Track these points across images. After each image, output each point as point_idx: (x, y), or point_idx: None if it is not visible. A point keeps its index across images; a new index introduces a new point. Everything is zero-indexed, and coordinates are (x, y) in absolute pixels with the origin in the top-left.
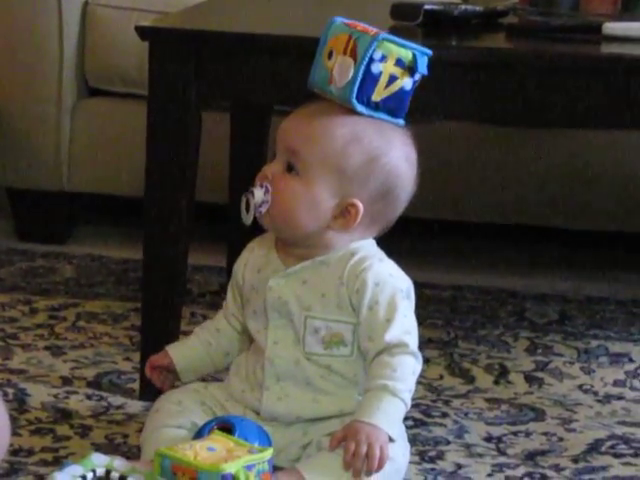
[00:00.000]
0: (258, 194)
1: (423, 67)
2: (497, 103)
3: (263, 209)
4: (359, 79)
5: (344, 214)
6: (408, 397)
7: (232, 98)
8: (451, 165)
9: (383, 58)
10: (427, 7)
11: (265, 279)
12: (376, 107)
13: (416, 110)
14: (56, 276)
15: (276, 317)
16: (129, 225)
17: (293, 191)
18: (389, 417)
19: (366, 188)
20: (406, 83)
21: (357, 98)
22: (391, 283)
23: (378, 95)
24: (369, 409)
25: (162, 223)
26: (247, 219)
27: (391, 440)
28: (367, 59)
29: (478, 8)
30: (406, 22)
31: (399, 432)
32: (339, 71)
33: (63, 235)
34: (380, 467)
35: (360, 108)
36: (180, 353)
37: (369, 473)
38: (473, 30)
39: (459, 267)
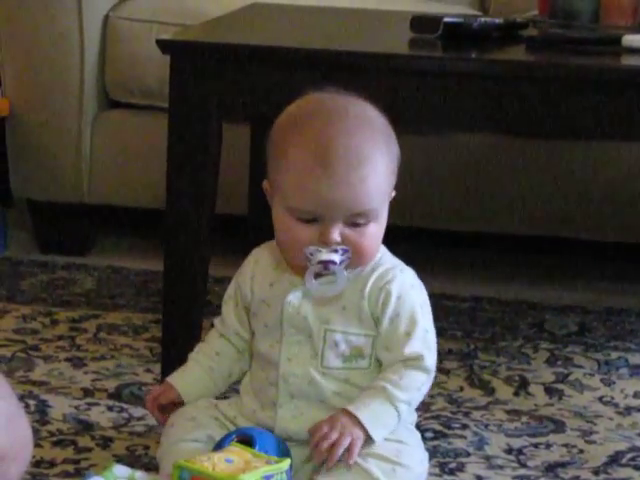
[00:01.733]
0: (339, 259)
1: None
2: (518, 115)
3: (343, 266)
4: None
5: None
6: (404, 408)
7: (253, 111)
8: (470, 177)
9: None
10: (447, 20)
11: (280, 293)
12: None
13: (436, 123)
14: (77, 288)
15: (292, 333)
16: (149, 237)
17: (373, 236)
18: (375, 417)
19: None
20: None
21: None
22: (412, 296)
23: None
24: (359, 403)
25: (182, 235)
26: (336, 289)
27: (371, 440)
28: None
29: (498, 20)
30: (426, 35)
31: (382, 436)
32: None
33: (84, 247)
34: (348, 459)
35: None
36: (185, 384)
37: (328, 463)
38: (493, 43)
39: (478, 278)
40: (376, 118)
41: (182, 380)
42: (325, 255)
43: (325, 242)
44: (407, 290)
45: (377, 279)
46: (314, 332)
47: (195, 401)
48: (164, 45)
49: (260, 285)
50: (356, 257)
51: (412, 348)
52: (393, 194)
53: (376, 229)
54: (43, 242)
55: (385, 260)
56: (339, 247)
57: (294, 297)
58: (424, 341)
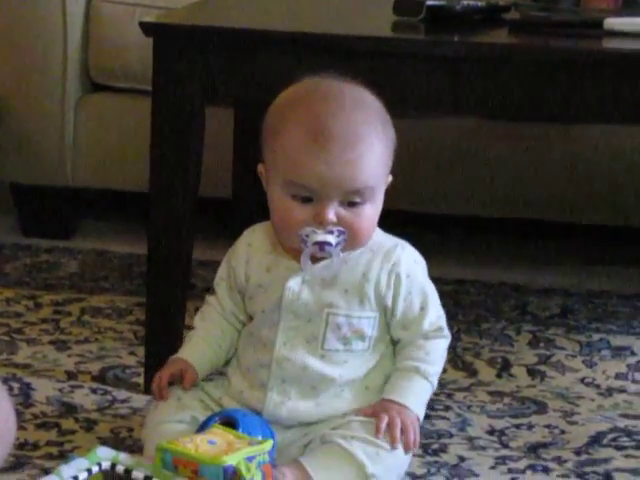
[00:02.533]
0: (334, 240)
1: None
2: (499, 98)
3: (339, 248)
4: None
5: None
6: (436, 380)
7: (236, 94)
8: (453, 160)
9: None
10: (429, 3)
11: (279, 279)
12: None
13: (419, 105)
14: (60, 271)
15: (290, 318)
16: (133, 220)
17: (369, 217)
18: (418, 398)
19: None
20: None
21: None
22: (417, 270)
23: None
24: (400, 389)
25: (166, 218)
26: (332, 270)
27: (418, 420)
28: None
29: (480, 4)
30: (409, 18)
31: (424, 412)
32: None
33: (67, 230)
34: (415, 445)
35: None
36: (200, 363)
37: (407, 450)
38: (475, 26)
39: (462, 261)
40: (372, 102)
41: (196, 359)
42: (321, 236)
43: (321, 222)
44: (413, 267)
45: (382, 262)
46: (315, 316)
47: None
48: (147, 28)
49: (256, 269)
50: (351, 239)
51: (430, 320)
52: (390, 179)
53: (372, 211)
54: (26, 225)
55: (382, 240)
56: (335, 228)
57: (294, 283)
58: (437, 309)
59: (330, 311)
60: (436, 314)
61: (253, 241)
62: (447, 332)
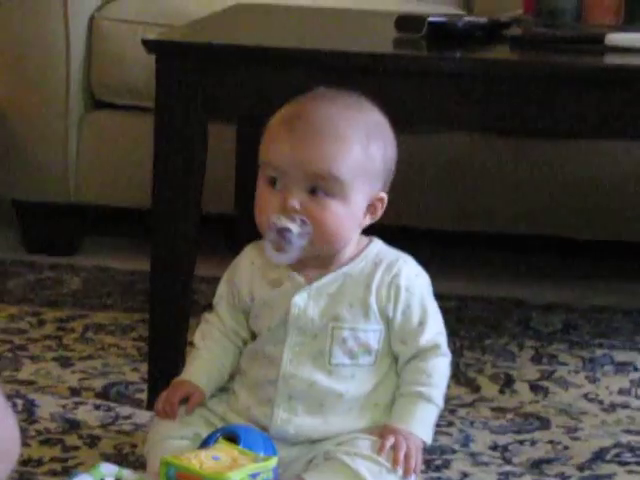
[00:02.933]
0: (295, 229)
1: None
2: (501, 114)
3: (304, 242)
4: None
5: (371, 210)
6: (441, 400)
7: (238, 110)
8: (455, 176)
9: None
10: (431, 19)
11: (284, 295)
12: None
13: (421, 121)
14: (64, 288)
15: (296, 334)
16: (136, 237)
17: (336, 214)
18: (423, 423)
19: (386, 179)
20: None
21: None
22: (419, 285)
23: None
24: (404, 416)
25: (169, 234)
26: (288, 257)
27: (425, 443)
28: None
29: (482, 20)
30: (411, 34)
31: (432, 434)
32: None
33: (70, 247)
34: (415, 472)
35: None
36: (205, 385)
37: (407, 476)
38: (477, 42)
39: (464, 277)
40: (370, 115)
41: (202, 379)
42: (282, 222)
43: (284, 208)
44: (413, 280)
45: (383, 274)
46: (320, 331)
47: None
48: (150, 45)
49: (260, 287)
50: (317, 233)
51: (427, 337)
52: (383, 196)
53: (341, 209)
54: (29, 242)
55: (385, 253)
56: (297, 216)
57: (300, 299)
58: (436, 326)
59: (335, 325)
60: (435, 331)
61: (256, 259)
62: (446, 350)
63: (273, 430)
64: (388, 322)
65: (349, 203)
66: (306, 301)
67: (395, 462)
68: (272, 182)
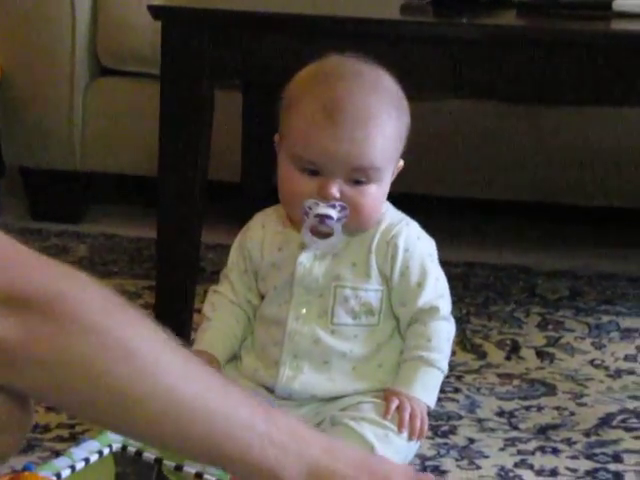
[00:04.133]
0: (335, 215)
1: None
2: (507, 80)
3: (340, 225)
4: None
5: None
6: (444, 364)
7: (244, 77)
8: (461, 143)
9: None
10: None
11: (290, 256)
12: None
13: (427, 87)
14: (70, 255)
15: (302, 293)
16: (142, 204)
17: (374, 198)
18: (426, 387)
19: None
20: None
21: None
22: (420, 247)
23: None
24: (406, 380)
25: (176, 201)
26: (330, 244)
27: (429, 408)
28: None
29: None
30: (417, 0)
31: (435, 398)
32: None
33: (76, 214)
34: (422, 433)
35: None
36: (221, 354)
37: (412, 437)
38: (484, 8)
39: (470, 244)
40: (390, 85)
41: (218, 349)
42: (322, 209)
43: (324, 196)
44: (414, 242)
45: (383, 233)
46: (324, 290)
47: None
48: (155, 11)
49: (269, 249)
50: (354, 216)
51: (425, 299)
52: (401, 163)
53: (377, 191)
54: (36, 210)
55: (390, 215)
56: (337, 203)
57: (305, 258)
58: (436, 290)
59: (338, 284)
60: (435, 294)
61: (266, 223)
62: (447, 314)
63: (279, 388)
64: (387, 282)
65: (384, 184)
66: (311, 261)
67: (400, 424)
68: (308, 171)
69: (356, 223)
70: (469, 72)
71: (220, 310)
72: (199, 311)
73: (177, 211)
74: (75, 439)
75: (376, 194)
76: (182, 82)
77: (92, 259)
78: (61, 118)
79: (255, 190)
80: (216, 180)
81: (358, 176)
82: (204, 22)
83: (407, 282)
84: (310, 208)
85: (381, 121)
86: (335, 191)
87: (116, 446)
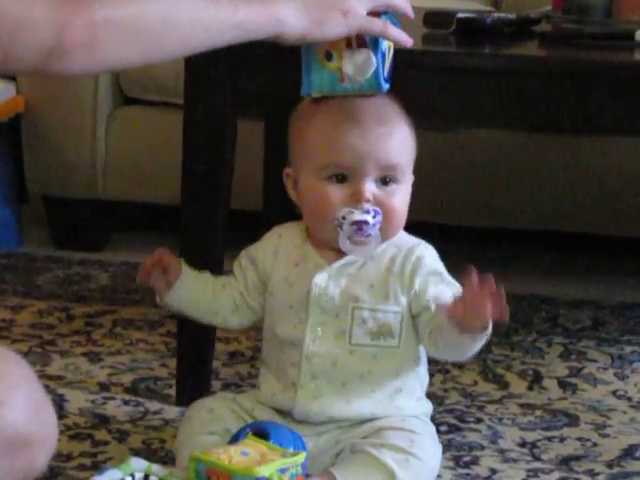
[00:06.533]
0: (371, 220)
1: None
2: (530, 111)
3: (377, 229)
4: (380, 62)
5: None
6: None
7: (266, 105)
8: (484, 173)
9: None
10: (460, 15)
11: (306, 274)
12: (388, 81)
13: (447, 117)
14: (92, 283)
15: (318, 313)
16: (164, 232)
17: (402, 199)
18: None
19: None
20: (392, 50)
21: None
22: (439, 269)
23: (386, 70)
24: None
25: (198, 230)
26: (368, 250)
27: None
28: (379, 41)
29: (511, 16)
30: (439, 30)
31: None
32: (358, 64)
33: (99, 243)
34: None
35: (387, 87)
36: (189, 273)
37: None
38: (506, 38)
39: (492, 273)
40: (398, 108)
41: (190, 270)
42: (358, 216)
43: (358, 199)
44: (439, 265)
45: (406, 255)
46: (341, 311)
47: (176, 293)
48: None
49: (284, 262)
50: (386, 221)
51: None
52: (412, 178)
53: (405, 194)
54: (58, 238)
55: (406, 239)
56: (371, 208)
57: (321, 279)
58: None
59: (355, 305)
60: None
61: (284, 233)
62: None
63: (297, 410)
64: (410, 304)
65: (408, 187)
66: (327, 281)
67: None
68: (337, 179)
69: (389, 227)
70: (490, 102)
71: (217, 276)
72: (221, 339)
73: (199, 239)
74: (97, 468)
75: (404, 197)
76: (204, 111)
77: (114, 287)
78: (84, 147)
79: (276, 218)
80: (238, 208)
81: (387, 174)
82: (227, 52)
83: (426, 289)
84: (344, 218)
85: (399, 122)
86: (369, 193)
87: (138, 475)
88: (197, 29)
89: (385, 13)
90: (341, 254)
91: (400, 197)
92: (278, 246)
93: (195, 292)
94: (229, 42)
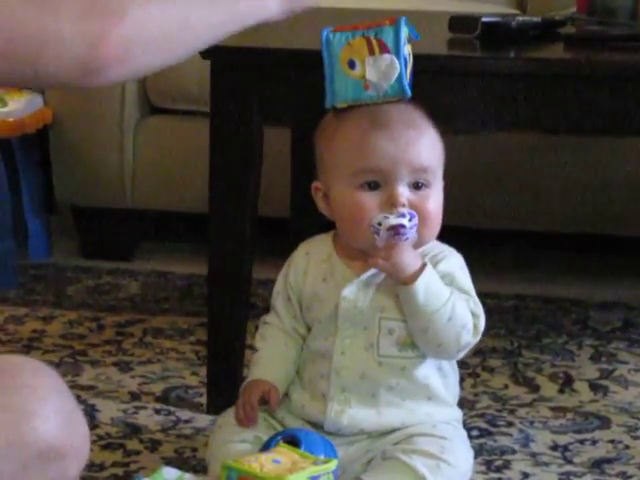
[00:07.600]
0: (407, 223)
1: (416, 35)
2: (555, 113)
3: (414, 234)
4: (403, 66)
5: None
6: (453, 306)
7: (293, 114)
8: (512, 175)
9: (405, 40)
10: (485, 19)
11: (334, 288)
12: (410, 86)
13: (474, 121)
14: (122, 293)
15: (347, 326)
16: (193, 241)
17: (436, 202)
18: (430, 283)
19: None
20: (412, 56)
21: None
22: (462, 276)
23: (408, 75)
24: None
25: (227, 238)
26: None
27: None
28: (400, 46)
29: (536, 19)
30: (464, 34)
31: (424, 285)
32: (382, 69)
33: (128, 252)
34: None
35: (410, 93)
36: (277, 381)
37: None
38: (531, 41)
39: (522, 276)
40: (423, 112)
41: (273, 376)
42: (394, 220)
43: (393, 204)
44: (456, 270)
45: (430, 262)
46: (369, 323)
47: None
48: (205, 50)
49: (313, 279)
50: (422, 225)
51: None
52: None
53: (438, 197)
54: (87, 248)
55: (432, 245)
56: (406, 211)
57: (349, 291)
58: (474, 307)
59: (382, 316)
60: (469, 307)
61: (310, 250)
62: (476, 311)
63: (327, 423)
64: None
65: (439, 190)
66: (355, 293)
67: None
68: (370, 186)
69: (423, 232)
70: (517, 106)
71: (268, 339)
72: (251, 347)
73: (228, 247)
74: (129, 478)
75: (438, 200)
76: (232, 120)
77: (144, 296)
78: (112, 157)
79: (304, 226)
80: (265, 216)
81: (418, 177)
82: (253, 61)
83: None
84: (380, 224)
85: (426, 125)
86: (403, 197)
87: None
88: (204, 27)
89: (405, 24)
90: (369, 265)
91: (434, 200)
92: (307, 266)
93: (289, 378)
94: (228, 35)
